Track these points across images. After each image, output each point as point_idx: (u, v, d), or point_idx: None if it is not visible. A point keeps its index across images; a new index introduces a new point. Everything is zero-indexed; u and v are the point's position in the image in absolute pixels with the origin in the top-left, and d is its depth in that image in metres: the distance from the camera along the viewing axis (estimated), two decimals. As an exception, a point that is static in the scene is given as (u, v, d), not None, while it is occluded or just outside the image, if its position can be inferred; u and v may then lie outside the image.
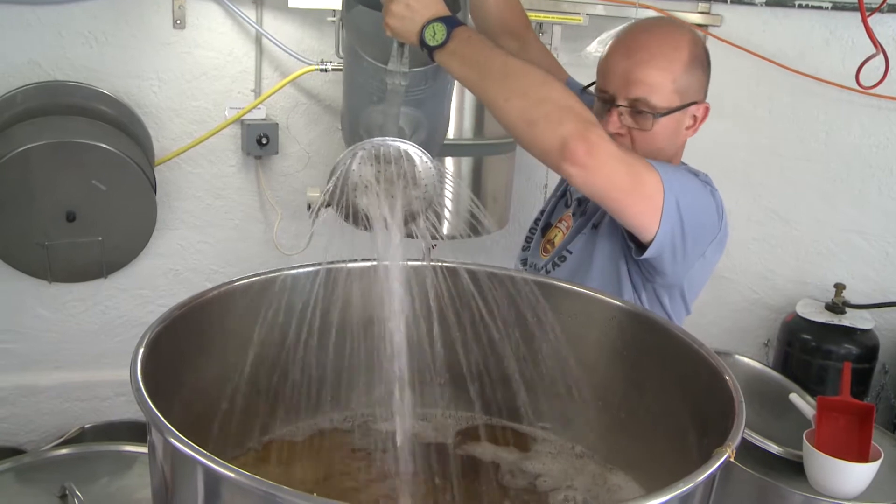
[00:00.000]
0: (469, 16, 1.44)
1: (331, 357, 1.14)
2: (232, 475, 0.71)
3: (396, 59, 1.36)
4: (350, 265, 1.19)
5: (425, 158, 1.14)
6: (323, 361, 1.14)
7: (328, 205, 1.14)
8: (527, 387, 1.21)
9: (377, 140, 1.14)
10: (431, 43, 1.32)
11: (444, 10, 1.35)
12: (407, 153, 1.13)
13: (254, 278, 1.16)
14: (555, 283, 1.28)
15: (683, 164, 1.64)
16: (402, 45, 1.36)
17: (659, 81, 1.49)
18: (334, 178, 1.12)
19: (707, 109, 1.57)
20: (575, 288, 1.26)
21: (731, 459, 0.80)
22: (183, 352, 1.05)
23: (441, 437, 1.26)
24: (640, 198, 1.34)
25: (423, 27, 1.32)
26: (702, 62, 1.55)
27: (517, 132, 1.31)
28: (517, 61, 1.34)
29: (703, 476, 0.77)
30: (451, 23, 1.33)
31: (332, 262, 1.18)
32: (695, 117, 1.56)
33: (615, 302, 1.23)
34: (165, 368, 0.97)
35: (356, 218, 1.14)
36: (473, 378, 1.22)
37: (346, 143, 1.64)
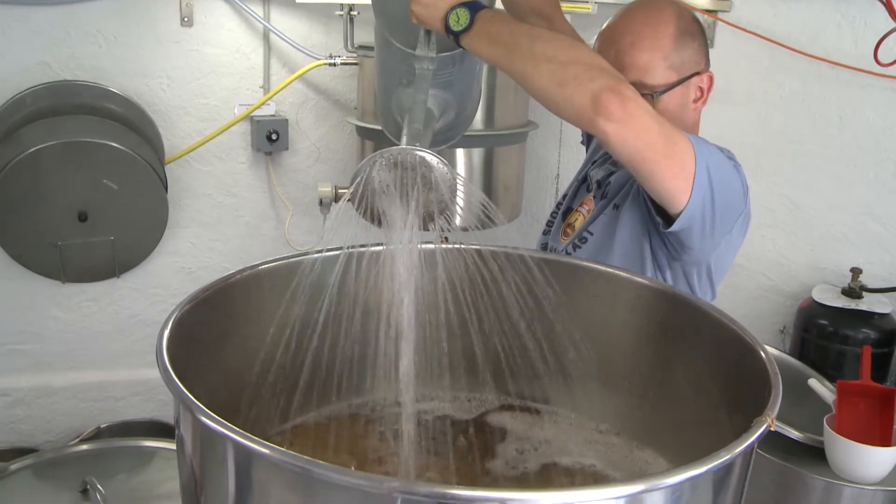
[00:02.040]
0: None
1: (356, 341, 1.13)
2: (265, 451, 0.69)
3: (423, 45, 1.37)
4: (374, 249, 1.18)
5: (441, 164, 1.16)
6: (348, 345, 1.12)
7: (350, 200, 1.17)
8: (551, 368, 1.19)
9: (395, 149, 1.17)
10: (456, 28, 1.32)
11: None
12: (424, 160, 1.15)
13: (278, 262, 1.15)
14: (578, 262, 1.26)
15: None
16: (428, 31, 1.37)
17: (650, 61, 1.48)
18: (356, 183, 1.14)
19: (711, 78, 1.56)
20: (598, 267, 1.24)
21: (772, 429, 0.79)
22: (207, 337, 1.04)
23: (464, 417, 1.25)
24: (672, 161, 1.31)
25: (447, 13, 1.33)
26: (692, 33, 1.53)
27: (548, 96, 1.30)
28: (543, 30, 1.34)
29: (744, 445, 0.76)
30: (474, 7, 1.33)
31: (355, 246, 1.17)
32: (700, 89, 1.55)
33: (640, 280, 1.21)
34: (190, 354, 0.96)
35: (377, 218, 1.17)
36: (495, 361, 1.21)
37: (379, 120, 1.65)
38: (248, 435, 0.71)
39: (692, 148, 1.33)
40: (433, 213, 1.18)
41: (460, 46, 1.36)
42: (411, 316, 1.11)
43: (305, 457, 0.68)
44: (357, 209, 1.16)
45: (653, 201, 1.43)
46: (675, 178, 1.33)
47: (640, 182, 1.39)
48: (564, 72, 1.27)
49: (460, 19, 1.32)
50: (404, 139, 1.28)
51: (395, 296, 1.11)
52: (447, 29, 1.33)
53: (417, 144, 1.20)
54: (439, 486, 0.67)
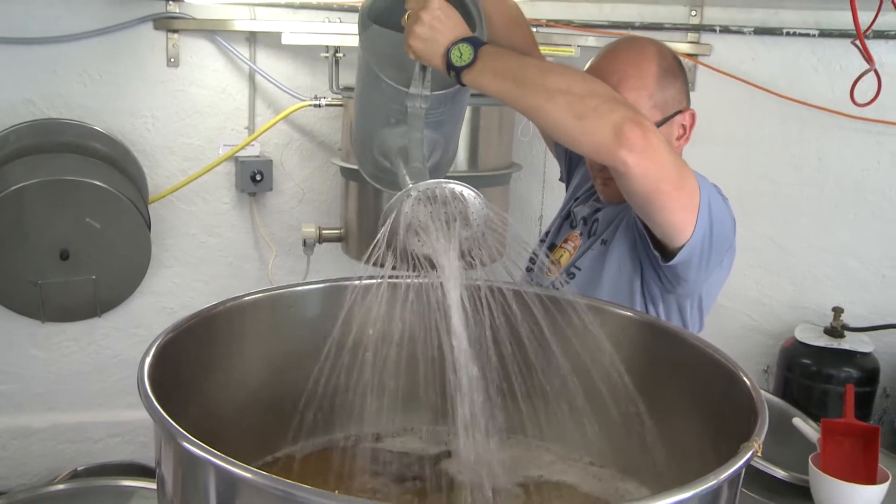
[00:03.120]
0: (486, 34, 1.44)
1: (340, 374, 1.12)
2: (248, 475, 0.69)
3: (418, 82, 1.33)
4: (359, 283, 1.17)
5: (477, 198, 1.13)
6: (332, 378, 1.11)
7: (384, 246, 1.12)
8: (536, 402, 1.19)
9: (431, 182, 1.12)
10: (458, 64, 1.29)
11: (467, 31, 1.33)
12: (462, 194, 1.12)
13: (261, 294, 1.15)
14: (563, 295, 1.26)
15: None
16: (423, 67, 1.33)
17: (635, 100, 1.47)
18: (389, 221, 1.10)
19: (693, 116, 1.57)
20: (585, 301, 1.24)
21: (759, 455, 0.78)
22: (189, 367, 1.04)
23: (447, 448, 1.24)
24: (683, 194, 1.32)
25: (448, 49, 1.29)
26: (673, 71, 1.55)
27: (565, 129, 1.29)
28: (552, 63, 1.34)
29: (731, 470, 0.75)
30: (476, 42, 1.31)
31: (340, 280, 1.16)
32: (683, 126, 1.56)
33: (625, 312, 1.22)
34: (171, 384, 0.95)
35: (408, 260, 1.13)
36: (480, 394, 1.20)
37: (358, 162, 1.63)
38: (231, 459, 0.70)
39: (697, 181, 1.35)
40: (468, 251, 1.14)
41: (460, 83, 1.32)
42: (464, 351, 1.09)
43: (288, 480, 0.67)
44: (388, 251, 1.12)
45: (650, 235, 1.44)
46: (683, 210, 1.34)
47: (648, 215, 1.39)
48: (582, 104, 1.26)
49: (463, 55, 1.29)
50: (407, 179, 1.24)
51: (388, 327, 1.09)
52: (448, 65, 1.30)
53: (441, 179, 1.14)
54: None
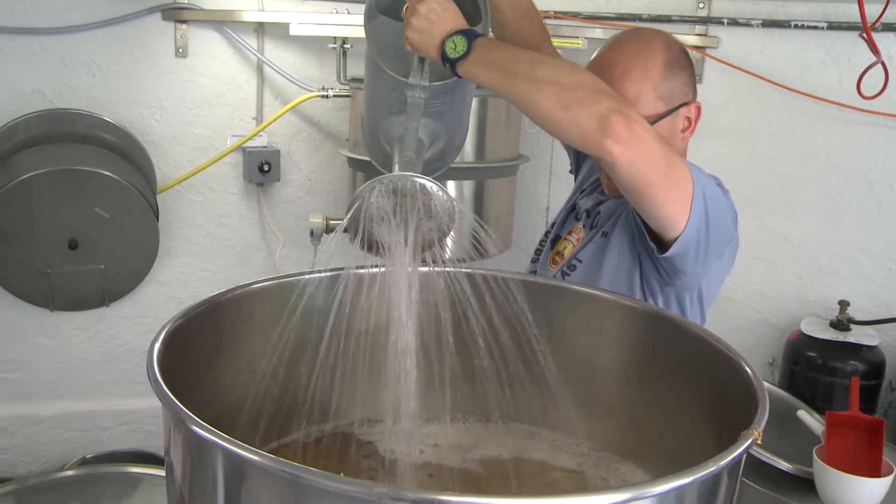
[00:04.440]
0: (490, 28, 1.45)
1: (347, 361, 1.13)
2: (256, 458, 0.70)
3: (417, 73, 1.35)
4: (365, 271, 1.18)
5: (441, 192, 1.16)
6: (339, 365, 1.13)
7: (346, 230, 1.16)
8: (539, 390, 1.20)
9: (395, 175, 1.16)
10: (453, 56, 1.31)
11: (463, 24, 1.35)
12: (424, 187, 1.15)
13: (270, 282, 1.16)
14: (567, 285, 1.27)
15: None
16: (422, 59, 1.36)
17: (639, 92, 1.48)
18: (353, 210, 1.14)
19: (699, 108, 1.57)
20: (588, 290, 1.25)
21: (759, 442, 0.79)
22: (197, 355, 1.05)
23: (450, 439, 1.25)
24: (673, 185, 1.32)
25: (444, 41, 1.31)
26: (680, 64, 1.54)
27: (552, 119, 1.29)
28: (542, 55, 1.34)
29: (731, 456, 0.76)
30: (470, 35, 1.32)
31: (347, 268, 1.17)
32: (688, 119, 1.56)
33: (628, 303, 1.22)
34: (180, 370, 0.95)
35: (373, 247, 1.16)
36: (483, 382, 1.21)
37: (367, 149, 1.65)
38: (238, 442, 0.71)
39: (690, 172, 1.34)
40: (432, 242, 1.17)
41: (456, 74, 1.34)
42: (413, 339, 1.10)
43: (295, 463, 0.68)
44: (353, 235, 1.15)
45: (647, 227, 1.44)
46: (675, 201, 1.34)
47: (640, 206, 1.39)
48: (569, 95, 1.26)
49: (457, 47, 1.31)
50: (396, 167, 1.27)
51: (395, 320, 1.11)
52: (443, 56, 1.32)
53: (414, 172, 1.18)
54: (427, 492, 0.67)
